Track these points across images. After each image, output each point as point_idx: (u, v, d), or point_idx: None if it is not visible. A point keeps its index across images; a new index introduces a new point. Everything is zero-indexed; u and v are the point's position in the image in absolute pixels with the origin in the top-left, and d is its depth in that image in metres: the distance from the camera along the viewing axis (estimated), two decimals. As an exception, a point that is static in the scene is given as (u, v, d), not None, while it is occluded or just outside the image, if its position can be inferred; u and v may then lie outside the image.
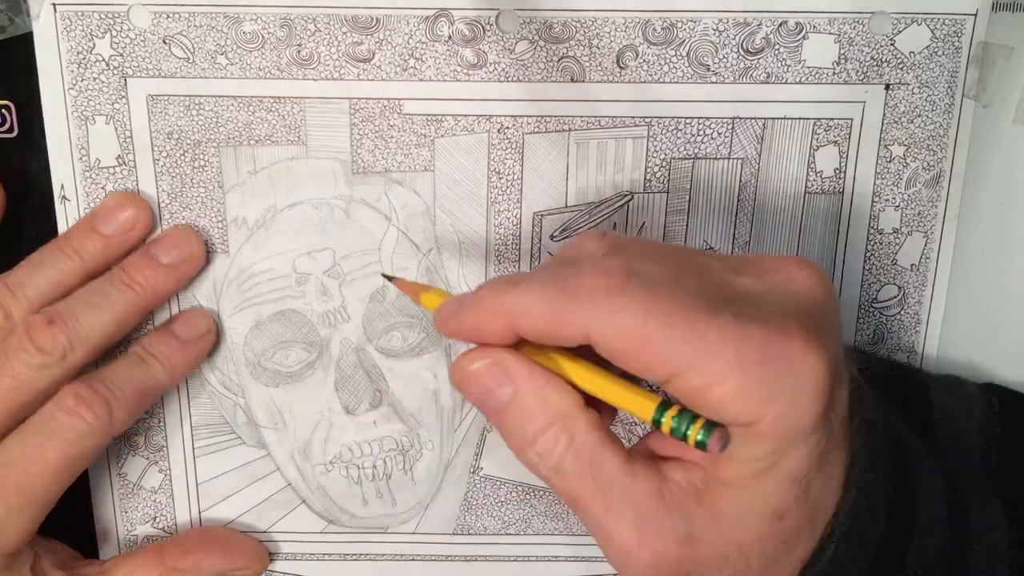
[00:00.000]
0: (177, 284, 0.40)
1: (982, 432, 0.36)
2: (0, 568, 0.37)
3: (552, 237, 0.41)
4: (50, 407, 0.37)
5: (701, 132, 0.40)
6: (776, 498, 0.29)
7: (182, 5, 0.38)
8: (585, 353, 0.30)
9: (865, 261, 0.42)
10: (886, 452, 0.32)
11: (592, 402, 0.31)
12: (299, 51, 0.38)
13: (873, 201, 0.41)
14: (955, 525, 0.33)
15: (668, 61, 0.39)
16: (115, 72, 0.39)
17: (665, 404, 0.29)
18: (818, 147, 0.40)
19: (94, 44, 0.38)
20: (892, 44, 0.39)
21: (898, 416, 0.35)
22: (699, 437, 0.28)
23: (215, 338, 0.42)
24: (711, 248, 0.41)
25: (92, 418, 0.37)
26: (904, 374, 0.38)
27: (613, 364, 0.29)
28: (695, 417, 0.29)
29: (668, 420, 0.29)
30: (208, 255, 0.41)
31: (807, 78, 0.39)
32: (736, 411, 0.28)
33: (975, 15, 0.39)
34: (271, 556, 0.45)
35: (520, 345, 0.31)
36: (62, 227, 0.40)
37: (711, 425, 0.28)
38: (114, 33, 0.38)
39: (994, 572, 0.33)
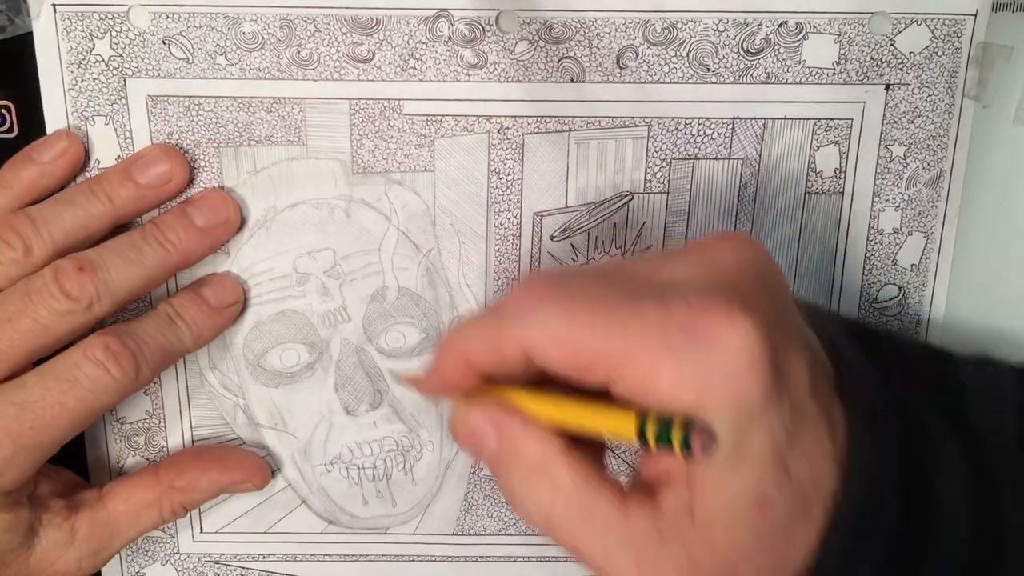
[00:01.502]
0: (210, 248, 0.40)
1: (1021, 412, 0.33)
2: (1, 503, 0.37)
3: (552, 237, 0.41)
4: (77, 355, 0.36)
5: (701, 132, 0.40)
6: (753, 485, 0.27)
7: (182, 6, 0.38)
8: (566, 391, 0.30)
9: (865, 261, 0.42)
10: (891, 433, 0.30)
11: (581, 441, 0.30)
12: (299, 51, 0.38)
13: (873, 201, 0.41)
14: (985, 514, 0.31)
15: (668, 61, 0.39)
16: (115, 73, 0.39)
17: (644, 415, 0.28)
18: (818, 147, 0.40)
19: (94, 45, 0.38)
20: (892, 44, 0.39)
21: (922, 396, 0.32)
22: (681, 438, 0.27)
23: (242, 307, 0.41)
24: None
25: (119, 373, 0.36)
26: (930, 352, 0.35)
27: (586, 390, 0.29)
28: (670, 421, 0.27)
29: (651, 433, 0.27)
30: (242, 225, 0.40)
31: (807, 78, 0.39)
32: (680, 400, 0.27)
33: (975, 15, 0.39)
34: (273, 471, 0.44)
35: (503, 393, 0.31)
36: None
37: (690, 423, 0.27)
38: (114, 34, 0.38)
39: None
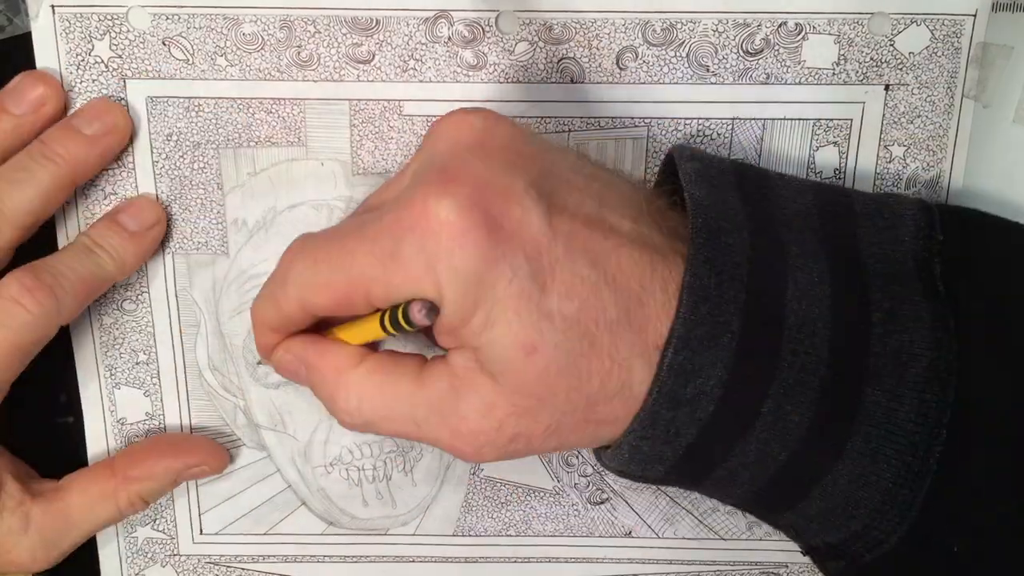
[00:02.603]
0: (101, 157, 0.38)
1: (918, 240, 0.33)
2: None
3: (552, 238, 0.41)
4: None
5: (701, 133, 0.40)
6: (512, 336, 0.29)
7: (181, 7, 0.38)
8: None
9: (865, 261, 0.42)
10: (732, 254, 0.30)
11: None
12: (299, 52, 0.38)
13: (873, 202, 0.41)
14: (847, 334, 0.31)
15: (668, 62, 0.39)
16: (114, 74, 0.39)
17: (383, 312, 0.31)
18: (818, 148, 0.40)
19: (93, 46, 0.38)
20: (892, 45, 0.39)
21: (799, 224, 0.32)
22: (404, 317, 0.30)
23: (165, 229, 0.40)
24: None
25: (36, 308, 0.36)
26: (825, 187, 0.35)
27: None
28: (399, 305, 0.30)
29: (387, 320, 0.31)
30: (134, 128, 0.39)
31: (807, 79, 0.39)
32: (424, 292, 0.30)
33: (974, 15, 0.39)
34: (231, 457, 0.44)
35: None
36: (61, 230, 0.40)
37: (408, 303, 0.30)
38: (113, 35, 0.38)
39: (902, 380, 0.31)
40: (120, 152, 0.39)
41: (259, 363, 0.42)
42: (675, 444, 0.31)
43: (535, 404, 0.31)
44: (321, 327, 0.35)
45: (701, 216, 0.31)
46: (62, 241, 0.40)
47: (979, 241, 0.34)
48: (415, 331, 0.31)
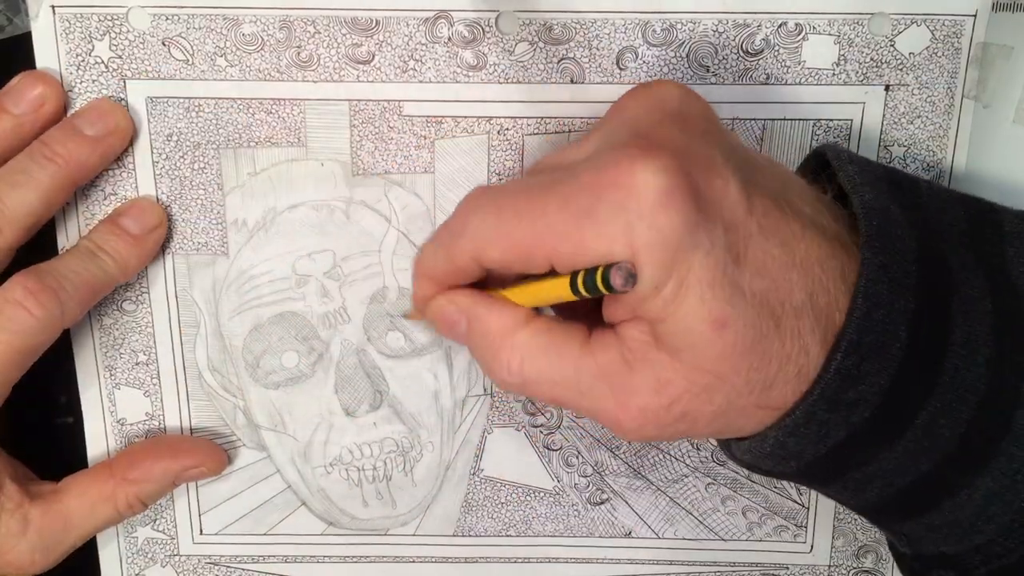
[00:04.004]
0: (102, 158, 0.38)
1: None
2: None
3: (552, 238, 0.41)
4: None
5: (701, 133, 0.40)
6: (706, 308, 0.28)
7: (181, 7, 0.38)
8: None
9: (865, 262, 0.42)
10: (904, 260, 0.30)
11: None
12: (299, 53, 0.38)
13: (873, 202, 0.41)
14: (1006, 354, 0.30)
15: (668, 62, 0.39)
16: (114, 74, 0.39)
17: (576, 272, 0.30)
18: (818, 148, 0.40)
19: (93, 46, 0.38)
20: (892, 45, 0.39)
21: (956, 238, 0.32)
22: (604, 281, 0.28)
23: (167, 230, 0.40)
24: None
25: (40, 311, 0.36)
26: (972, 200, 0.34)
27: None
28: (596, 268, 0.29)
29: (580, 282, 0.29)
30: (136, 128, 0.39)
31: (807, 79, 0.39)
32: (614, 255, 0.28)
33: (975, 16, 0.39)
34: (229, 459, 0.44)
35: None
36: (61, 230, 0.40)
37: (608, 266, 0.28)
38: (113, 35, 0.38)
39: None
40: (121, 153, 0.39)
41: (405, 315, 0.41)
42: (820, 444, 0.30)
43: (713, 382, 0.29)
44: (478, 287, 0.34)
45: (875, 219, 0.30)
46: (62, 242, 0.40)
47: None
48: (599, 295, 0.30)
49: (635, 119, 0.31)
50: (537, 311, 0.33)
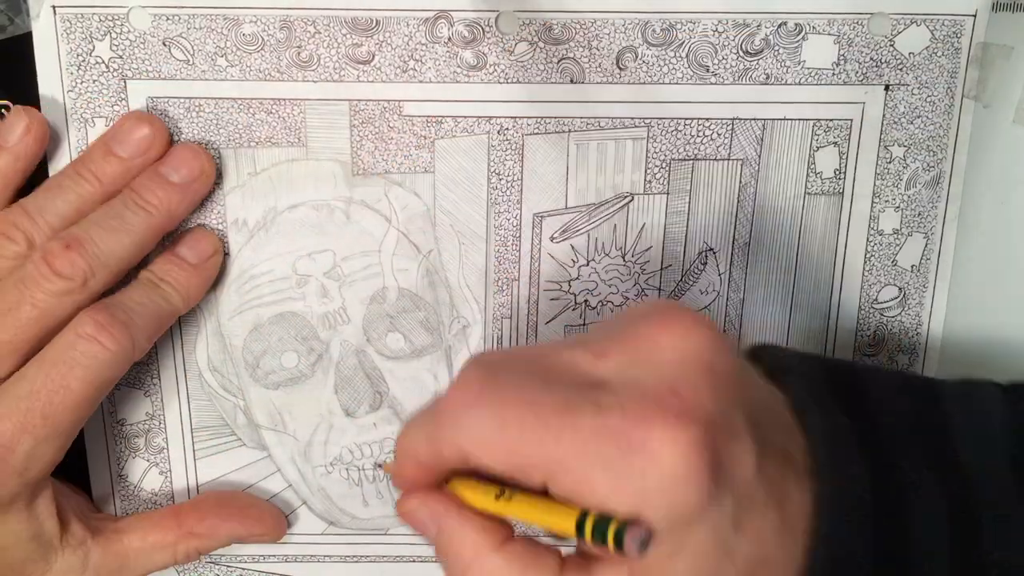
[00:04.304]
0: (191, 203, 0.39)
1: (1008, 436, 0.33)
2: (25, 499, 0.37)
3: (552, 238, 0.41)
4: (69, 335, 0.36)
5: (701, 133, 0.40)
6: (695, 572, 0.28)
7: (182, 7, 0.38)
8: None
9: (865, 262, 0.42)
10: (859, 488, 0.30)
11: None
12: (299, 53, 0.38)
13: (873, 202, 0.41)
14: (964, 551, 0.31)
15: (667, 62, 0.39)
16: (115, 74, 0.39)
17: (585, 513, 0.28)
18: (818, 148, 0.40)
19: (94, 46, 0.38)
20: (892, 45, 0.39)
21: (902, 436, 0.33)
22: (615, 538, 0.27)
23: (223, 258, 0.41)
24: (711, 250, 0.41)
25: (113, 344, 0.36)
26: (911, 385, 0.35)
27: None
28: (609, 520, 0.27)
29: (589, 529, 0.27)
30: (219, 172, 0.40)
31: (807, 79, 0.39)
32: (617, 509, 0.27)
33: (974, 16, 0.39)
34: (288, 524, 0.44)
35: (458, 481, 0.31)
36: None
37: (624, 524, 0.27)
38: (114, 35, 0.38)
39: None
40: (207, 194, 0.40)
41: (378, 466, 0.42)
42: None
43: None
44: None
45: (825, 449, 0.30)
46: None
47: None
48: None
49: (664, 363, 0.29)
50: (509, 526, 0.31)
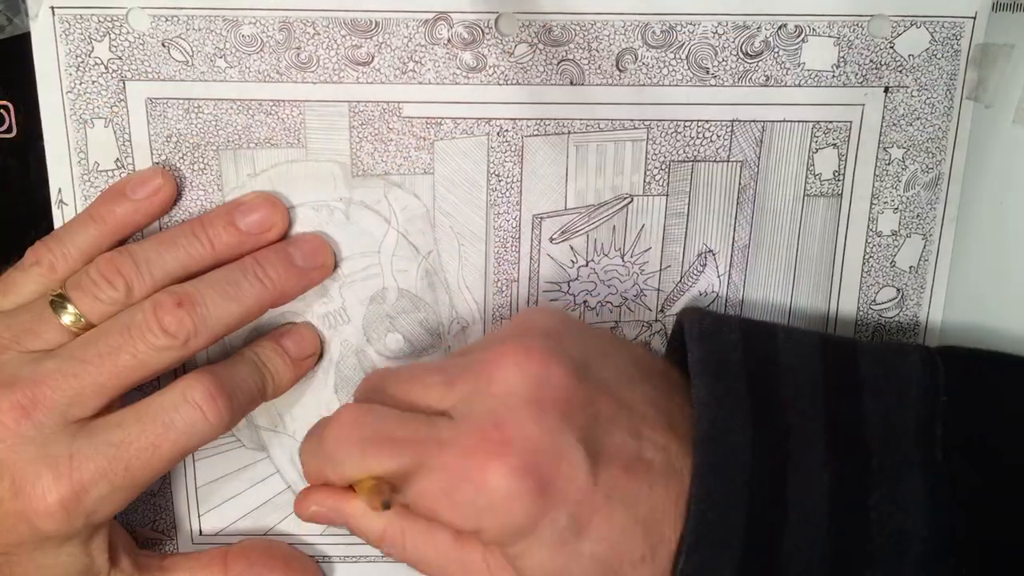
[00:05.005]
0: (303, 289, 0.40)
1: (923, 403, 0.34)
2: (83, 538, 0.37)
3: (551, 239, 0.41)
4: (176, 396, 0.36)
5: (700, 135, 0.40)
6: (542, 571, 0.33)
7: (181, 8, 0.38)
8: None
9: (864, 263, 0.42)
10: (736, 461, 0.33)
11: None
12: (298, 54, 0.38)
13: (872, 203, 0.41)
14: (846, 519, 0.32)
15: (667, 64, 0.39)
16: (114, 75, 0.39)
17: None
18: (817, 150, 0.40)
19: (93, 47, 0.38)
20: (891, 47, 0.39)
21: (805, 401, 0.34)
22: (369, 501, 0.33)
23: (318, 360, 0.42)
24: (710, 251, 0.41)
25: (215, 417, 0.36)
26: (832, 348, 0.36)
27: None
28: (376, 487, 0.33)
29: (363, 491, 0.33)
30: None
31: (806, 81, 0.39)
32: (460, 524, 0.33)
33: (974, 18, 0.39)
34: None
35: None
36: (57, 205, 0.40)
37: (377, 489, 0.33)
38: (113, 36, 0.38)
39: (902, 562, 0.32)
40: (320, 284, 0.41)
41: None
42: None
43: None
44: None
45: (706, 419, 0.33)
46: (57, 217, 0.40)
47: (982, 393, 0.35)
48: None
49: (497, 398, 0.33)
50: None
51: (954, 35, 0.39)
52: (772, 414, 0.34)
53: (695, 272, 0.42)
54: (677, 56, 0.39)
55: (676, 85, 0.39)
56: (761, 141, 0.40)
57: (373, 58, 0.39)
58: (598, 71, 0.39)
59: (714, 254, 0.42)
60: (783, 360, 0.35)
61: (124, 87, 0.39)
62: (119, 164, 0.40)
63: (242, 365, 0.39)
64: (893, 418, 0.34)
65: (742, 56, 0.39)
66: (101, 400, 0.36)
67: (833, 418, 0.34)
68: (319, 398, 0.43)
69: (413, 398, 0.35)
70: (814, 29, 0.38)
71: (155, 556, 0.42)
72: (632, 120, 0.40)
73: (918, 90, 0.40)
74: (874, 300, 0.42)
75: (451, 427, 0.33)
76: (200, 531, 0.44)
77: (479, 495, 0.32)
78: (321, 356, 0.42)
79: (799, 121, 0.40)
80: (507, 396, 0.33)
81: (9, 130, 0.40)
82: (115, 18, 0.38)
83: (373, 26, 0.38)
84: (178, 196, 0.40)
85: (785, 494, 0.32)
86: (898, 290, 0.42)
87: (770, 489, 0.32)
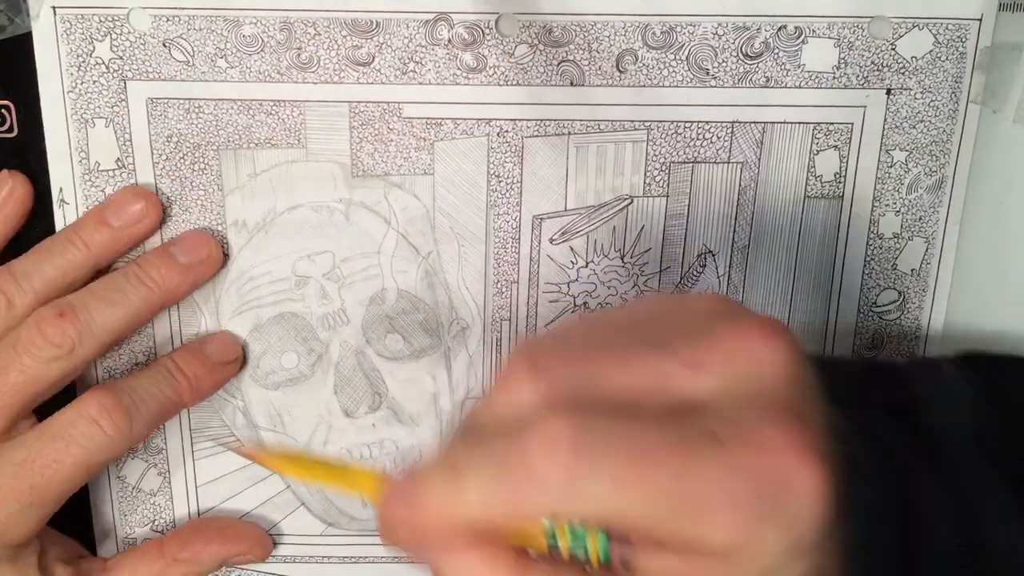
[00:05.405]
0: (192, 285, 0.40)
1: (972, 416, 0.32)
2: (6, 558, 0.37)
3: (551, 240, 0.41)
4: (72, 412, 0.37)
5: (701, 136, 0.40)
6: None
7: (182, 8, 0.38)
8: None
9: (865, 266, 0.42)
10: (877, 479, 0.27)
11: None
12: (299, 54, 0.38)
13: (873, 206, 0.41)
14: (964, 532, 0.30)
15: (667, 65, 0.39)
16: (115, 75, 0.39)
17: (552, 524, 0.24)
18: (818, 151, 0.40)
19: (94, 47, 0.38)
20: (893, 49, 0.39)
21: (882, 423, 0.31)
22: (600, 555, 0.24)
23: (241, 365, 0.42)
24: (710, 252, 0.41)
25: (113, 430, 0.36)
26: (877, 371, 0.34)
27: None
28: (585, 529, 0.24)
29: (563, 538, 0.24)
30: (225, 259, 0.41)
31: (807, 82, 0.39)
32: (729, 542, 0.24)
33: (980, 20, 0.38)
34: (273, 543, 0.44)
35: None
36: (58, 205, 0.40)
37: (607, 538, 0.24)
38: (114, 36, 0.38)
39: (1013, 564, 0.30)
40: (208, 281, 0.41)
41: (236, 450, 0.41)
42: None
43: None
44: None
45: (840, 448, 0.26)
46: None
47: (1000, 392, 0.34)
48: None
49: (769, 378, 0.25)
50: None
51: (959, 37, 0.39)
52: (878, 440, 0.29)
53: (695, 273, 0.42)
54: (677, 57, 0.39)
55: (676, 86, 0.39)
56: (761, 142, 0.40)
57: (373, 58, 0.39)
58: (598, 72, 0.39)
59: (714, 255, 0.41)
60: (841, 384, 0.30)
61: (125, 87, 0.39)
62: (120, 164, 0.40)
63: (150, 374, 0.39)
64: (950, 429, 0.32)
65: (742, 57, 0.39)
66: (2, 422, 0.36)
67: (915, 437, 0.30)
68: (318, 398, 0.43)
69: (638, 388, 0.25)
70: (814, 30, 0.38)
71: (97, 560, 0.42)
72: (632, 121, 0.39)
73: (922, 93, 0.39)
74: (875, 303, 0.42)
75: (720, 418, 0.24)
76: (200, 531, 0.45)
77: (782, 501, 0.24)
78: (244, 363, 0.42)
79: (799, 123, 0.40)
80: (789, 377, 0.25)
81: (10, 130, 0.40)
82: (116, 18, 0.38)
83: (374, 26, 0.38)
84: (163, 217, 0.40)
85: (921, 519, 0.28)
86: (900, 293, 0.42)
87: (908, 519, 0.28)
